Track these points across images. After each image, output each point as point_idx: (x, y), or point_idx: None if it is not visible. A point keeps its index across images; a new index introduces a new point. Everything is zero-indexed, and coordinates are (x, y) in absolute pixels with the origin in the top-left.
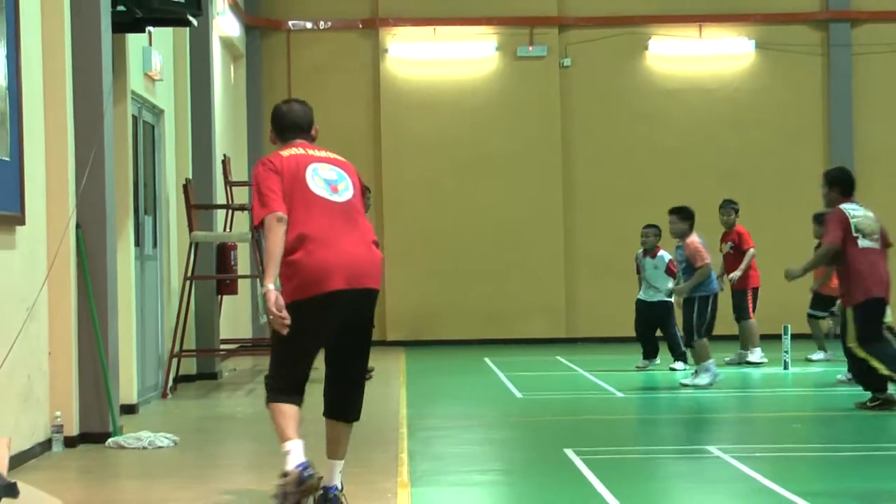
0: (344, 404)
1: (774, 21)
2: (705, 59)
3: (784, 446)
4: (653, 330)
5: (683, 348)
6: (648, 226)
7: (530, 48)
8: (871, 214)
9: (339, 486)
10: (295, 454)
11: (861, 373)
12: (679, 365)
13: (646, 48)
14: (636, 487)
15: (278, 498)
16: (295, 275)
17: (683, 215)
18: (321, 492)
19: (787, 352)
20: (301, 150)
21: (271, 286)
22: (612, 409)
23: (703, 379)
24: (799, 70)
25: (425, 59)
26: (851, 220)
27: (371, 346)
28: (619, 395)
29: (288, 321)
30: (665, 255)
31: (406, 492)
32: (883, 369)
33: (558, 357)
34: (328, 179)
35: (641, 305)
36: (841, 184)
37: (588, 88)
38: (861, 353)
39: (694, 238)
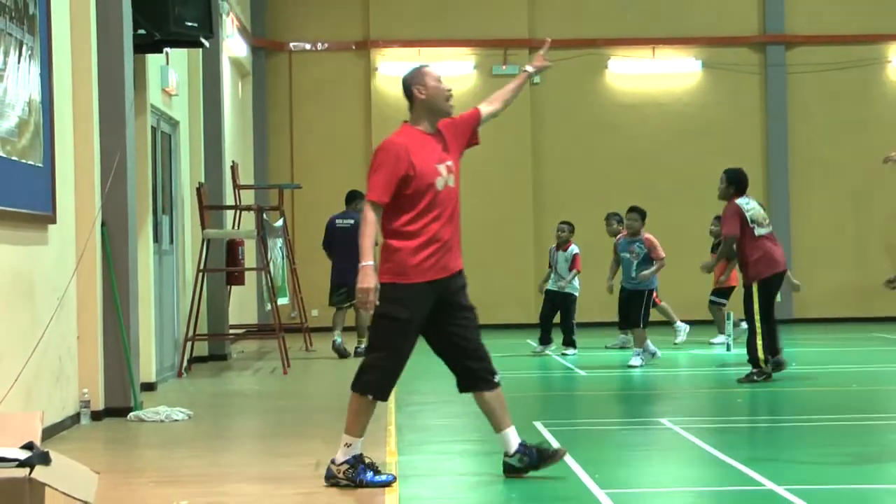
0: None
1: (718, 44)
2: (658, 77)
3: (728, 418)
4: (553, 317)
5: (574, 337)
6: (563, 222)
7: (504, 67)
8: (759, 205)
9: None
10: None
11: (749, 344)
12: (570, 351)
13: (606, 67)
14: (596, 455)
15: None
16: None
17: (641, 214)
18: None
19: (730, 335)
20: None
21: None
22: (576, 386)
23: (638, 360)
24: (740, 87)
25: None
26: (747, 213)
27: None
28: (582, 373)
29: None
30: (574, 248)
31: (394, 460)
32: (760, 349)
33: (529, 340)
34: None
35: (550, 294)
36: (737, 182)
37: (555, 102)
38: (758, 326)
39: (649, 235)
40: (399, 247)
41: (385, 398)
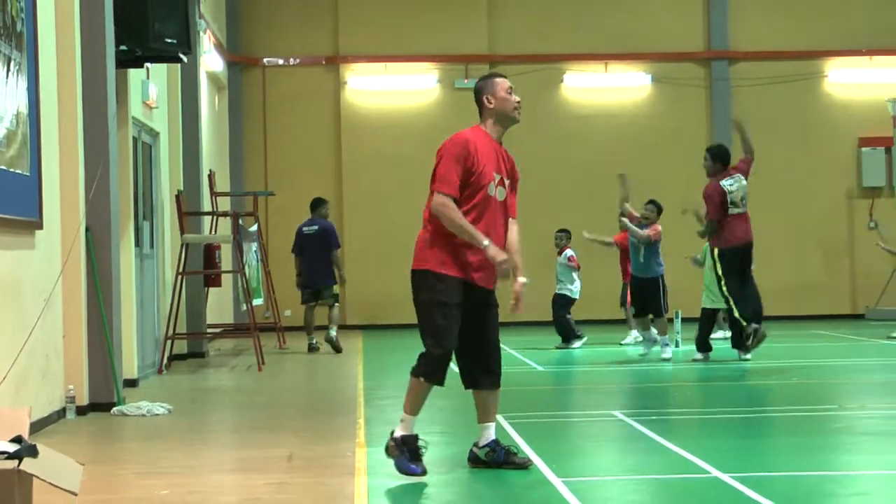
0: None
1: (666, 59)
2: (610, 90)
3: (676, 410)
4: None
5: (578, 331)
6: (561, 230)
7: (465, 80)
8: (742, 184)
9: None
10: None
11: (731, 321)
12: (577, 343)
13: (561, 81)
14: (553, 445)
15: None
16: None
17: (658, 207)
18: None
19: (678, 332)
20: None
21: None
22: (534, 381)
23: (669, 352)
24: (687, 99)
25: (378, 90)
26: (728, 195)
27: (420, 321)
28: (540, 368)
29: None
30: (569, 251)
31: (363, 451)
32: (736, 311)
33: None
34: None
35: (556, 296)
36: (722, 158)
37: None
38: (726, 292)
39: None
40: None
41: (439, 382)
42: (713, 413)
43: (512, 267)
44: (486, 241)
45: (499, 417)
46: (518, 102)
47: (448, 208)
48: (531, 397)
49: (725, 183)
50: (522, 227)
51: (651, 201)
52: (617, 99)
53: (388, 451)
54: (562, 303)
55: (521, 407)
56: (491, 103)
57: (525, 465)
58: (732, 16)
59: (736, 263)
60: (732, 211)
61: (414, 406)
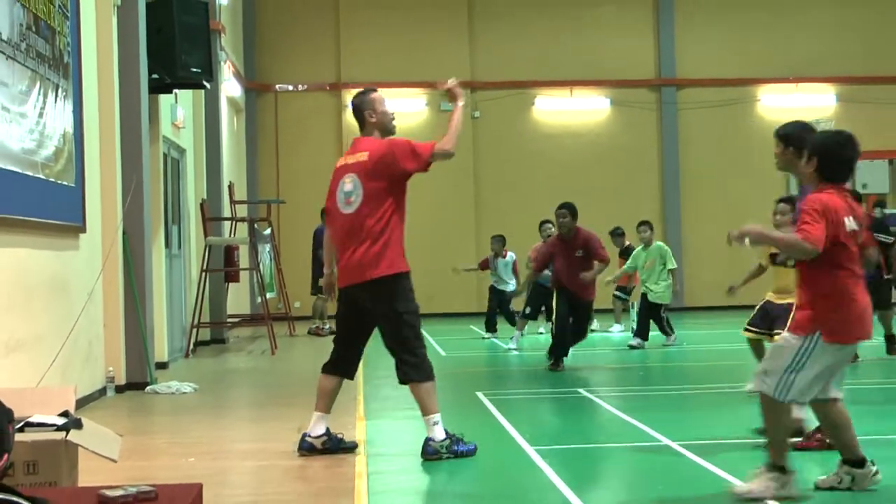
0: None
1: (623, 86)
2: (575, 112)
3: (632, 388)
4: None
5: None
6: (496, 236)
7: (450, 104)
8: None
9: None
10: (316, 424)
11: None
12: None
13: (533, 104)
14: (527, 418)
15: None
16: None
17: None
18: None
19: (634, 320)
20: (343, 161)
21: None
22: (510, 363)
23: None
24: (641, 120)
25: None
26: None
27: (398, 324)
28: (516, 352)
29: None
30: (512, 255)
31: (362, 423)
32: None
33: (472, 326)
34: (346, 192)
35: (496, 292)
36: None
37: (491, 133)
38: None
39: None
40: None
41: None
42: (664, 390)
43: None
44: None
45: (478, 394)
46: (393, 114)
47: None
48: (507, 377)
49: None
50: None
51: (497, 236)
52: (580, 120)
53: (438, 455)
54: (511, 296)
55: (499, 386)
56: (373, 118)
57: (353, 447)
58: (679, 49)
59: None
60: None
61: (437, 404)
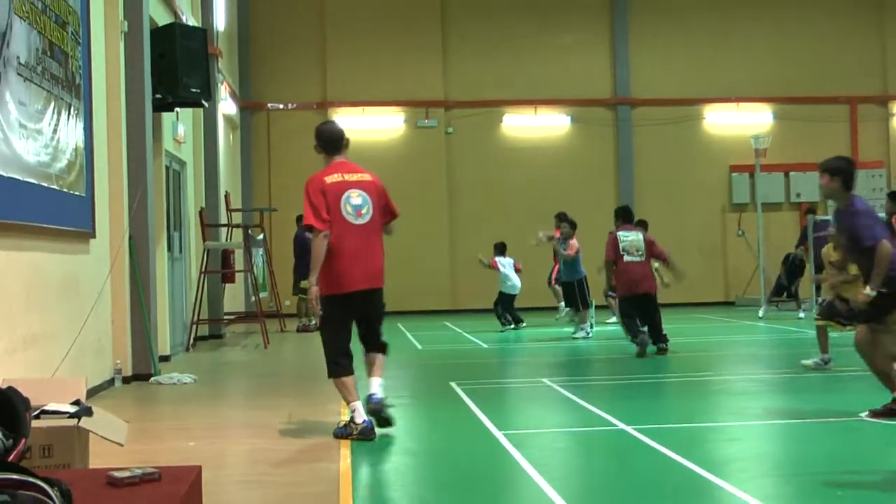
0: (374, 342)
1: (583, 104)
2: (539, 128)
3: (591, 377)
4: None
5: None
6: (498, 244)
7: (426, 121)
8: (638, 237)
9: (381, 396)
10: (360, 413)
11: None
12: (511, 326)
13: (501, 121)
14: (495, 405)
15: (340, 433)
16: (332, 277)
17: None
18: (369, 398)
19: (593, 317)
20: (339, 177)
21: (314, 283)
22: (480, 355)
23: (581, 334)
24: (599, 136)
25: (357, 128)
26: (621, 243)
27: (381, 321)
28: (485, 346)
29: (319, 311)
30: (510, 259)
31: (346, 410)
32: (627, 333)
33: (446, 322)
34: (355, 205)
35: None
36: (623, 216)
37: (464, 148)
38: (620, 320)
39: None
40: None
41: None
42: (621, 379)
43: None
44: (312, 280)
45: (451, 384)
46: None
47: (318, 244)
48: (478, 368)
49: (621, 233)
50: (467, 236)
51: (564, 217)
52: (544, 135)
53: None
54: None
55: (470, 376)
56: (346, 143)
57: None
58: (633, 72)
59: (630, 306)
60: (627, 258)
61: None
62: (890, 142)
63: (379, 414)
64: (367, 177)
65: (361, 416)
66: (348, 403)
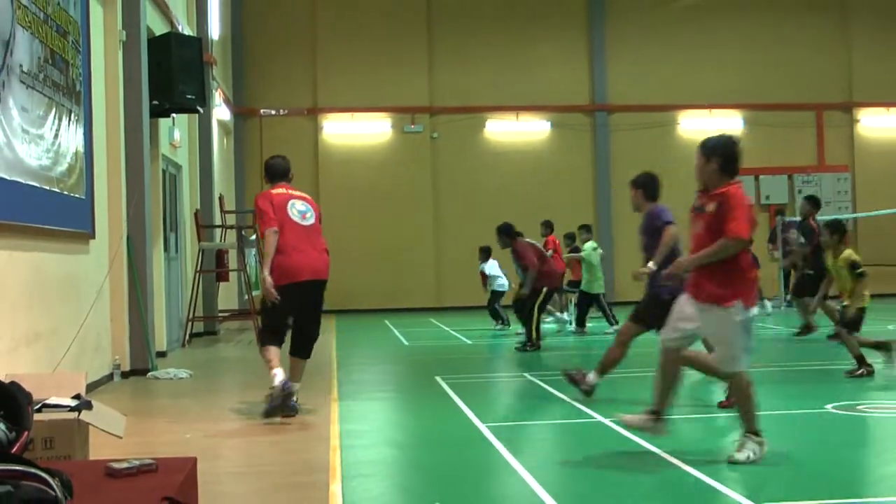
0: (304, 348)
1: (562, 111)
2: (521, 133)
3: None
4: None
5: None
6: (482, 247)
7: (412, 126)
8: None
9: (296, 398)
10: (280, 375)
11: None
12: (498, 325)
13: (484, 126)
14: (478, 398)
15: (268, 402)
16: (281, 269)
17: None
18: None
19: (570, 313)
20: (284, 191)
21: (267, 274)
22: (464, 351)
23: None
24: (577, 141)
25: (347, 133)
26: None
27: (320, 314)
28: (469, 342)
29: (277, 298)
30: (494, 261)
31: (336, 403)
32: (533, 330)
33: (431, 319)
34: (300, 210)
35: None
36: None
37: (449, 152)
38: (535, 315)
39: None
40: None
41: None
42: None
43: None
44: (265, 272)
45: (437, 378)
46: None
47: (268, 240)
48: (462, 363)
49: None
50: (452, 236)
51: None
52: (525, 140)
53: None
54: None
55: (455, 371)
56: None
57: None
58: (610, 80)
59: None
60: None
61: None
62: (854, 147)
63: (285, 401)
64: (305, 193)
65: (279, 378)
66: (271, 369)
